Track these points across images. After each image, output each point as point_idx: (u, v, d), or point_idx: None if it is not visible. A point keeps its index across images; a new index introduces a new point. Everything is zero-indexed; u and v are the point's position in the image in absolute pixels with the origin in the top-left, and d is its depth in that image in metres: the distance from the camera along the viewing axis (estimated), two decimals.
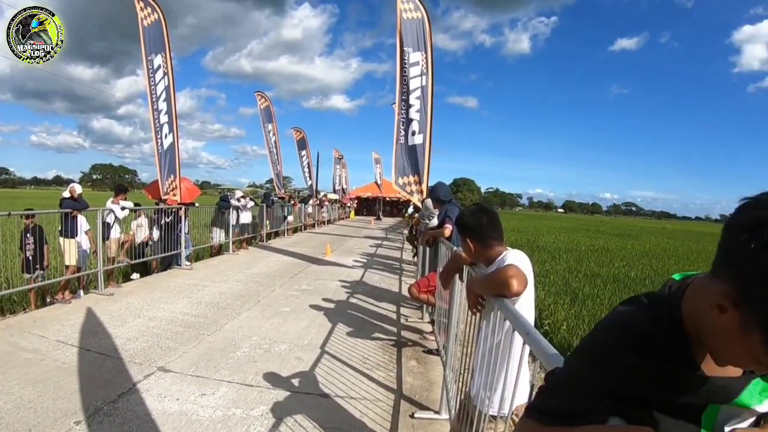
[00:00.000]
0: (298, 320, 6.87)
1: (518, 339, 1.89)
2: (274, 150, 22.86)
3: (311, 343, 5.90)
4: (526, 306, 2.33)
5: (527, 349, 1.80)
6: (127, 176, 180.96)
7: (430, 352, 5.82)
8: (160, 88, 11.05)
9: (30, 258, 7.79)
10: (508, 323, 2.06)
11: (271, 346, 5.70)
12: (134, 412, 3.92)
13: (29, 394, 4.19)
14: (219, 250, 14.28)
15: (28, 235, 7.76)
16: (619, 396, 0.96)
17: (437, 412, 4.18)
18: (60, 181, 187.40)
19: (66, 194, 8.57)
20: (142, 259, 10.58)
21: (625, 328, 1.01)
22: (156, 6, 10.87)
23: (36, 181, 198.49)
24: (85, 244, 8.71)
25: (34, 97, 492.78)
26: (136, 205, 10.19)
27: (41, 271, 7.94)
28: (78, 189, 8.61)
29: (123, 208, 9.49)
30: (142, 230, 10.32)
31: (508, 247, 2.61)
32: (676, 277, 1.06)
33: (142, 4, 10.91)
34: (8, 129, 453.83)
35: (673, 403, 0.94)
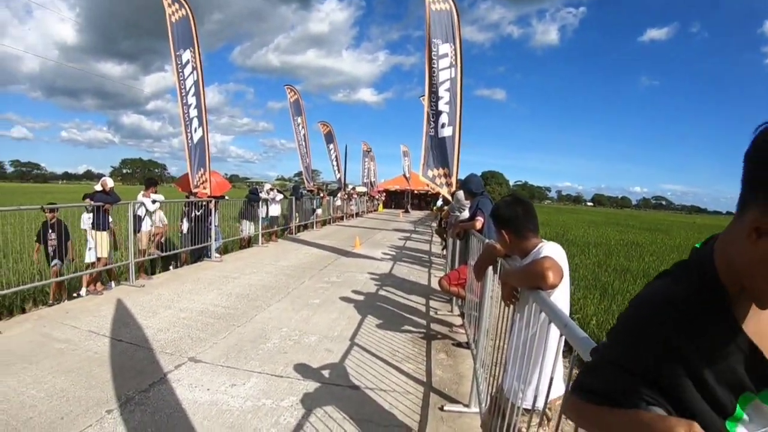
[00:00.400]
0: (327, 312, 6.87)
1: (554, 331, 1.86)
2: (303, 143, 22.88)
3: (341, 334, 5.90)
4: (562, 299, 2.28)
5: (563, 341, 1.76)
6: (156, 170, 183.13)
7: (459, 345, 5.78)
8: (189, 82, 11.17)
9: (51, 253, 7.96)
10: (543, 315, 2.01)
11: (301, 338, 5.71)
12: (165, 401, 3.96)
13: (62, 383, 4.26)
14: (248, 243, 14.39)
15: (50, 231, 7.91)
16: (650, 378, 0.95)
17: (467, 405, 4.15)
18: (90, 176, 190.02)
19: (98, 187, 8.71)
20: (172, 251, 10.76)
21: (654, 302, 1.00)
22: (183, 2, 10.99)
23: (67, 176, 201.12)
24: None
25: (64, 94, 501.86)
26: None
27: (59, 262, 8.06)
28: (110, 183, 8.75)
29: (154, 201, 9.59)
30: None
31: (543, 240, 2.57)
32: (698, 245, 1.05)
33: (169, 0, 11.01)
34: (39, 126, 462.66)
35: (711, 380, 0.92)
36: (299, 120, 22.79)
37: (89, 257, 8.42)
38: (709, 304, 0.91)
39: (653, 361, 0.92)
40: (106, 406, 3.86)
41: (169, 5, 11.03)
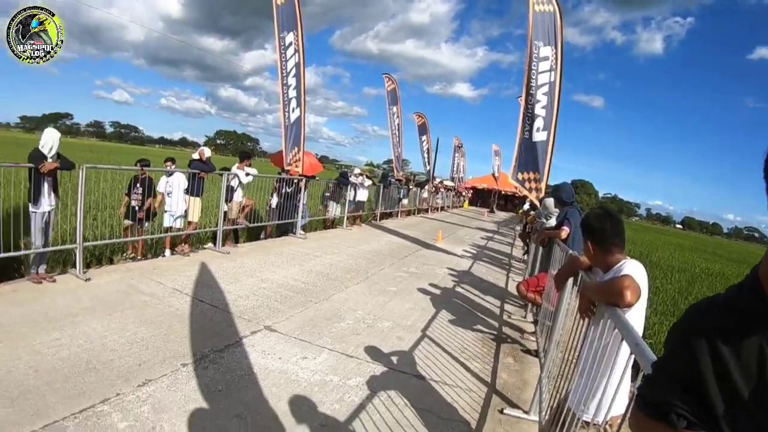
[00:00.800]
0: (403, 301, 6.94)
1: (624, 349, 1.86)
2: (397, 132, 22.98)
3: (413, 324, 5.94)
4: (636, 318, 2.26)
5: (632, 360, 1.77)
6: (249, 144, 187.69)
7: (528, 351, 5.72)
8: (291, 64, 11.53)
9: (136, 207, 8.38)
10: (616, 332, 2.01)
11: (374, 322, 5.81)
12: (238, 363, 4.16)
13: (143, 333, 4.57)
14: (333, 224, 14.68)
15: (138, 185, 8.34)
16: (696, 389, 0.95)
17: (526, 412, 4.11)
18: (185, 143, 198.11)
19: (195, 156, 9.12)
20: (260, 224, 11.24)
21: (711, 307, 1.03)
22: None
23: (163, 141, 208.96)
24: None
25: (167, 64, 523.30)
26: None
27: (147, 223, 8.50)
28: (207, 152, 9.16)
29: (247, 174, 9.90)
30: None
31: (627, 257, 2.55)
32: None
33: None
34: (140, 91, 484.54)
35: (751, 397, 0.91)
36: (395, 109, 22.91)
37: (167, 221, 8.85)
38: (753, 313, 0.92)
39: (703, 367, 0.93)
40: (182, 359, 4.11)
41: None
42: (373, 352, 4.83)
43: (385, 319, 5.98)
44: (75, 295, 5.52)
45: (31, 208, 5.95)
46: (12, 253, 6.04)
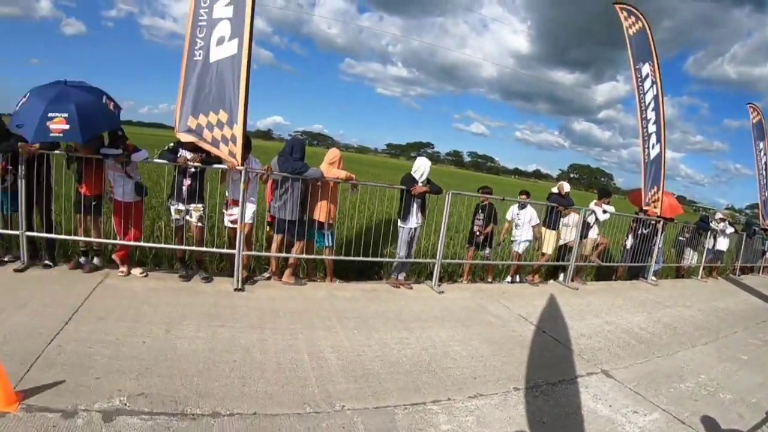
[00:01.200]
0: (753, 373, 6.05)
1: None
2: (764, 172, 19.60)
3: (759, 403, 5.12)
4: None
5: None
6: (603, 179, 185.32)
7: None
8: (649, 97, 11.07)
9: (477, 232, 8.75)
10: None
11: (716, 391, 5.24)
12: (567, 400, 4.23)
13: (484, 350, 5.02)
14: (686, 273, 13.57)
15: (480, 212, 8.74)
16: None
17: None
18: (539, 175, 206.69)
19: (555, 190, 9.52)
20: (612, 263, 11.12)
21: None
22: (640, 15, 10.97)
23: (518, 172, 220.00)
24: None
25: (520, 98, 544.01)
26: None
27: (489, 249, 8.82)
28: (566, 187, 9.46)
29: (605, 212, 9.83)
30: (568, 230, 9.72)
31: None
32: None
33: (625, 13, 11.04)
34: (495, 124, 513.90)
35: None
36: (761, 145, 19.45)
37: (515, 248, 9.15)
38: None
39: None
40: (515, 383, 4.37)
41: (626, 18, 11.06)
42: (708, 424, 4.37)
43: (728, 390, 5.31)
44: (427, 304, 6.35)
45: (399, 224, 7.07)
46: (377, 259, 7.36)
